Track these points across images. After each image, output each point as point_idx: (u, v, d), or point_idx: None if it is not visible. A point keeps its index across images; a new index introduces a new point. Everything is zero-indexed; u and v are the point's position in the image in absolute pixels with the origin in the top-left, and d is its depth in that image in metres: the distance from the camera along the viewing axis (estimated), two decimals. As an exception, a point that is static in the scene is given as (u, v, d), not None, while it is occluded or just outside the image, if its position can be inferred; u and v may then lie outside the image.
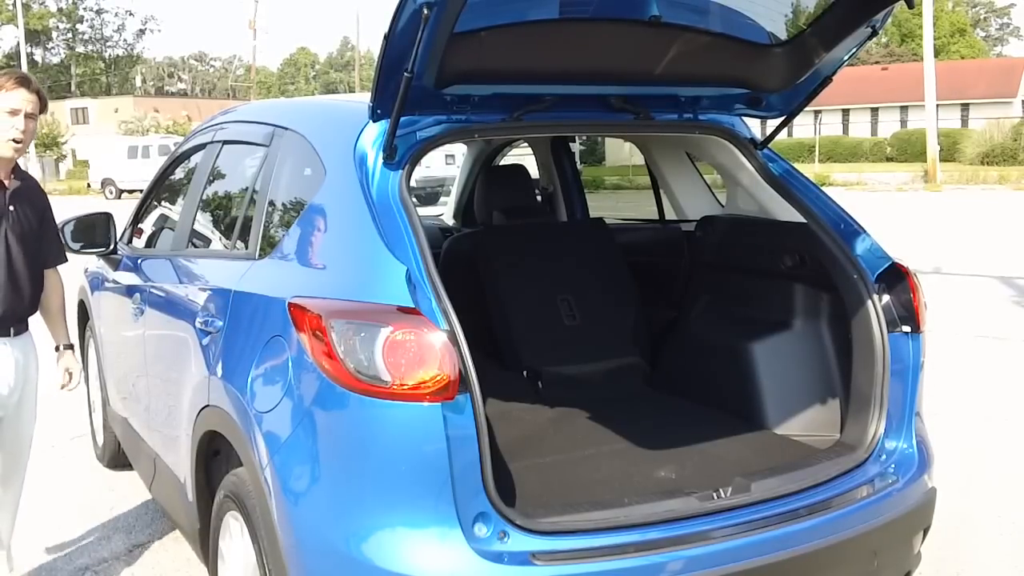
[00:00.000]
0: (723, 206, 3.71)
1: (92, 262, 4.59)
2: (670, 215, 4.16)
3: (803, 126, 36.72)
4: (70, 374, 3.29)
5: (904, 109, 43.10)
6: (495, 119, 2.77)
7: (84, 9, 62.59)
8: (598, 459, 2.89)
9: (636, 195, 15.64)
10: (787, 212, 3.09)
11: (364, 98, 2.64)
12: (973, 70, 45.65)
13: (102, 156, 33.57)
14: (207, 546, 2.88)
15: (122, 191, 31.08)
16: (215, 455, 2.86)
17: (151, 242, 4.19)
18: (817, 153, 33.67)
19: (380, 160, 2.51)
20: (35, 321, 3.19)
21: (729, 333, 3.33)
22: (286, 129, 3.00)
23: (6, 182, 3.00)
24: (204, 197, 3.59)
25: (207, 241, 3.52)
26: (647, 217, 4.48)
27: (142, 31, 70.04)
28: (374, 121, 2.55)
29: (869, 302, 2.76)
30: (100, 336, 4.52)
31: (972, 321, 7.95)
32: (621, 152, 32.69)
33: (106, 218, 4.03)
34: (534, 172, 4.79)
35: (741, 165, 3.18)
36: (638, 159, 8.60)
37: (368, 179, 2.48)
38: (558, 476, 2.76)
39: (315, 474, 2.26)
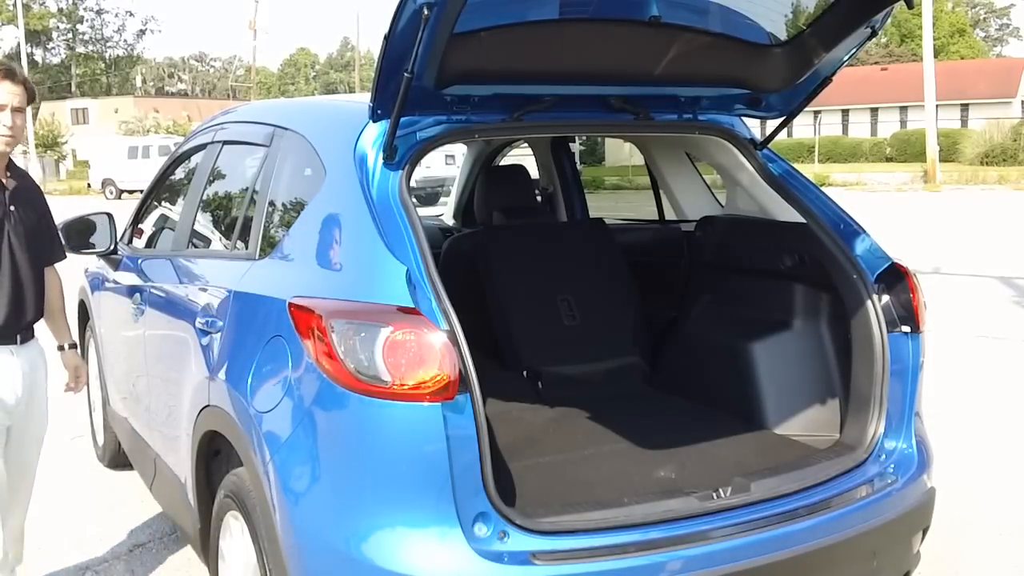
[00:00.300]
0: (723, 206, 3.72)
1: (92, 262, 4.60)
2: (670, 215, 4.16)
3: (803, 126, 36.75)
4: (76, 374, 3.22)
5: (904, 109, 43.11)
6: (495, 119, 2.77)
7: (84, 9, 62.57)
8: (598, 459, 2.90)
9: (636, 195, 15.64)
10: (787, 212, 3.09)
11: (364, 98, 2.64)
12: (973, 70, 45.66)
13: (102, 156, 33.58)
14: (207, 546, 2.88)
15: (122, 191, 31.08)
16: (215, 455, 2.86)
17: (151, 242, 4.19)
18: (817, 153, 33.68)
19: (380, 160, 2.51)
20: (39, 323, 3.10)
21: (729, 333, 3.33)
22: (286, 129, 3.00)
23: (4, 181, 2.89)
24: (204, 197, 3.59)
25: (207, 241, 3.52)
26: (647, 217, 4.49)
27: (142, 31, 69.88)
28: (374, 121, 2.55)
29: (869, 302, 2.76)
30: (100, 336, 4.52)
31: (972, 321, 7.95)
32: (621, 152, 32.68)
33: (106, 218, 4.03)
34: (534, 172, 4.79)
35: (741, 165, 3.18)
36: (638, 159, 8.60)
37: (368, 179, 2.48)
38: (558, 476, 2.76)
39: (315, 474, 2.27)
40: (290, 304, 2.34)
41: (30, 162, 35.97)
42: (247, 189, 3.27)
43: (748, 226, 3.40)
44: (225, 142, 3.56)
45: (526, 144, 5.00)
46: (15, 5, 43.68)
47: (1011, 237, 14.03)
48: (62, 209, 3.63)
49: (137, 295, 3.72)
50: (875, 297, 2.77)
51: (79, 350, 3.31)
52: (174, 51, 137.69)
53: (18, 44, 44.19)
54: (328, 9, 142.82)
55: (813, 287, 3.10)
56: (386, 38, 2.27)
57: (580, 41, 2.70)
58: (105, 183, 32.15)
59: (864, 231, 2.93)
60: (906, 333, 2.77)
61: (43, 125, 43.21)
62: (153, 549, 3.86)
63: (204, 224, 3.58)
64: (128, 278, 3.95)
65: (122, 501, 4.36)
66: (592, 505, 2.38)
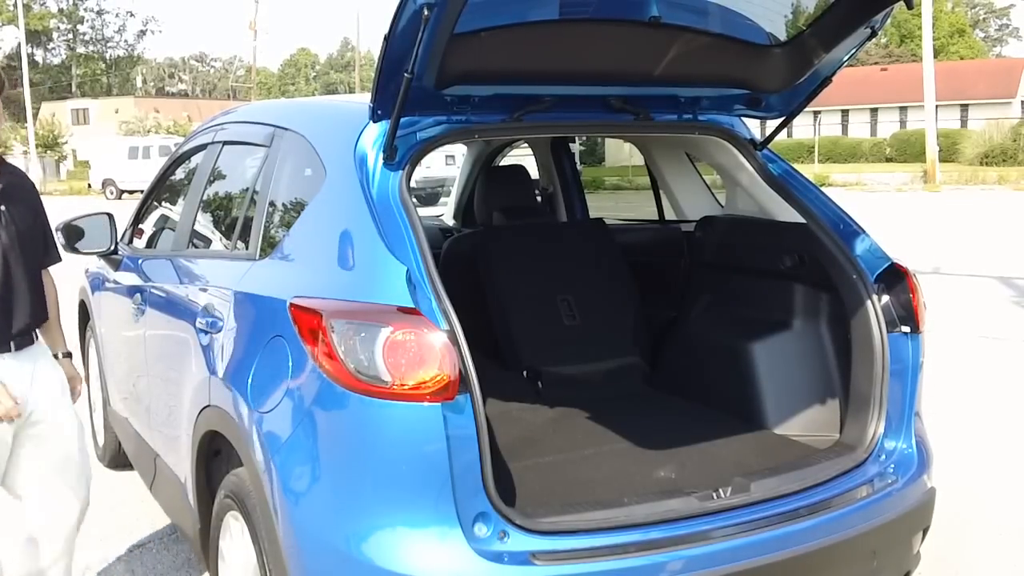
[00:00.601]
0: (723, 206, 3.72)
1: (93, 262, 4.60)
2: (670, 215, 4.17)
3: (802, 127, 36.75)
4: (71, 385, 3.05)
5: (903, 110, 43.12)
6: (495, 120, 2.77)
7: (85, 10, 62.66)
8: (598, 459, 2.90)
9: (636, 195, 15.65)
10: (787, 212, 3.09)
11: (364, 99, 2.64)
12: (972, 71, 45.67)
13: (103, 156, 33.59)
14: (207, 546, 2.88)
15: (123, 191, 31.10)
16: (215, 455, 2.86)
17: (152, 242, 4.19)
18: (816, 153, 33.68)
19: (380, 161, 2.51)
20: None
21: (729, 333, 3.33)
22: (286, 130, 3.01)
23: None
24: (205, 197, 3.59)
25: (207, 241, 3.53)
26: (647, 217, 4.49)
27: (143, 32, 70.15)
28: (374, 122, 2.55)
29: (868, 302, 2.76)
30: (101, 336, 4.52)
31: (971, 321, 7.95)
32: (621, 153, 32.69)
33: (106, 218, 4.03)
34: (534, 173, 4.79)
35: (741, 165, 3.18)
36: (638, 160, 8.61)
37: (368, 179, 2.48)
38: (558, 476, 2.76)
39: (315, 474, 2.27)
40: (290, 304, 2.34)
41: (30, 162, 35.97)
42: (247, 189, 3.28)
43: (748, 226, 3.40)
44: (225, 142, 3.57)
45: (526, 144, 5.00)
46: (15, 5, 43.73)
47: (1011, 237, 14.03)
48: (62, 209, 3.63)
49: (137, 295, 3.72)
50: (875, 297, 2.77)
51: (78, 360, 3.26)
52: (174, 51, 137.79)
53: (18, 44, 44.21)
54: (328, 9, 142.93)
55: (813, 287, 3.10)
56: (386, 38, 2.28)
57: (580, 41, 2.70)
58: (105, 183, 32.16)
59: (864, 231, 2.93)
60: (906, 333, 2.77)
61: (43, 125, 43.25)
62: (153, 549, 3.86)
63: (204, 224, 3.58)
64: (128, 278, 3.95)
65: (122, 501, 4.35)
66: (592, 505, 2.39)
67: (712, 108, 3.11)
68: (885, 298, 2.79)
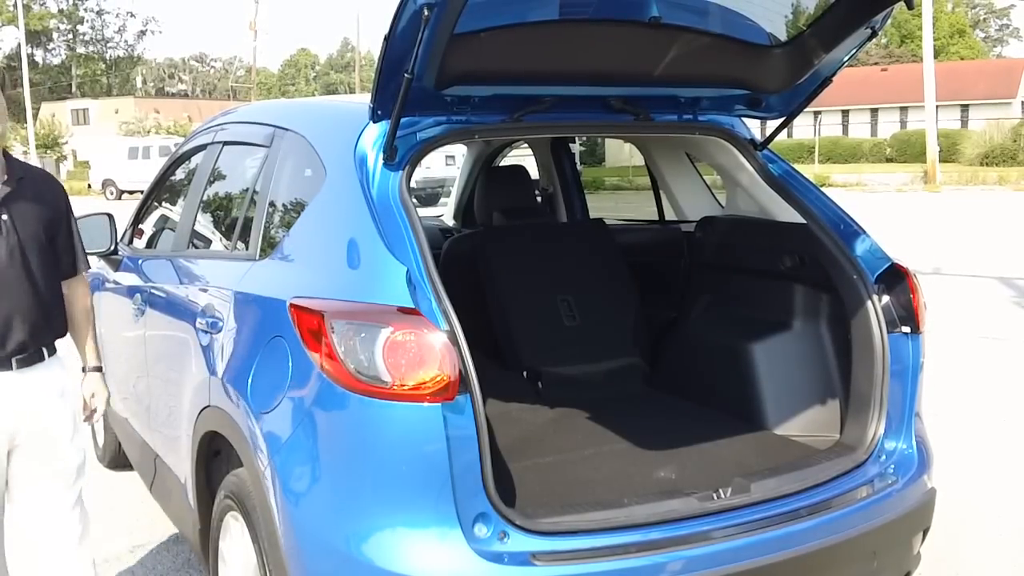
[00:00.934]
0: (723, 207, 3.72)
1: (92, 263, 4.59)
2: (670, 216, 4.17)
3: (803, 127, 36.73)
4: (92, 403, 2.80)
5: (904, 110, 43.11)
6: (495, 120, 2.77)
7: (85, 10, 62.68)
8: (598, 459, 2.90)
9: (636, 196, 15.64)
10: (787, 213, 3.09)
11: (364, 99, 2.64)
12: (972, 71, 45.66)
13: (103, 157, 33.59)
14: (207, 547, 2.88)
15: (122, 192, 31.09)
16: (215, 455, 2.86)
17: (152, 243, 4.19)
18: (817, 154, 33.67)
19: (380, 161, 2.51)
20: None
21: (729, 333, 3.33)
22: (287, 130, 3.01)
23: None
24: (205, 198, 3.59)
25: (208, 242, 3.53)
26: (647, 218, 4.49)
27: (143, 32, 70.07)
28: (374, 122, 2.55)
29: (869, 303, 2.76)
30: (101, 337, 4.49)
31: (972, 321, 7.95)
32: (621, 153, 32.68)
33: (107, 219, 4.03)
34: (534, 173, 4.79)
35: (741, 166, 3.18)
36: (638, 160, 8.61)
37: (368, 180, 2.48)
38: (558, 476, 2.76)
39: (315, 475, 2.27)
40: (290, 304, 2.34)
41: (30, 162, 35.92)
42: (247, 190, 3.28)
43: (748, 226, 3.40)
44: (225, 143, 3.57)
45: (526, 144, 5.00)
46: (15, 5, 43.75)
47: (1011, 237, 14.02)
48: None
49: (137, 296, 3.72)
50: (875, 297, 2.77)
51: (103, 374, 2.89)
52: (174, 52, 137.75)
53: (18, 45, 44.22)
54: (328, 9, 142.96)
55: (813, 287, 3.10)
56: (386, 39, 2.28)
57: (580, 42, 2.70)
58: (105, 184, 32.16)
59: (864, 231, 2.93)
60: (906, 333, 2.77)
61: (43, 126, 43.23)
62: (153, 549, 3.86)
63: (204, 225, 3.58)
64: (128, 279, 3.95)
65: (122, 501, 4.35)
66: (592, 505, 2.39)
67: (712, 108, 3.11)
68: (885, 298, 2.79)
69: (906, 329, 2.77)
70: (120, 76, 65.31)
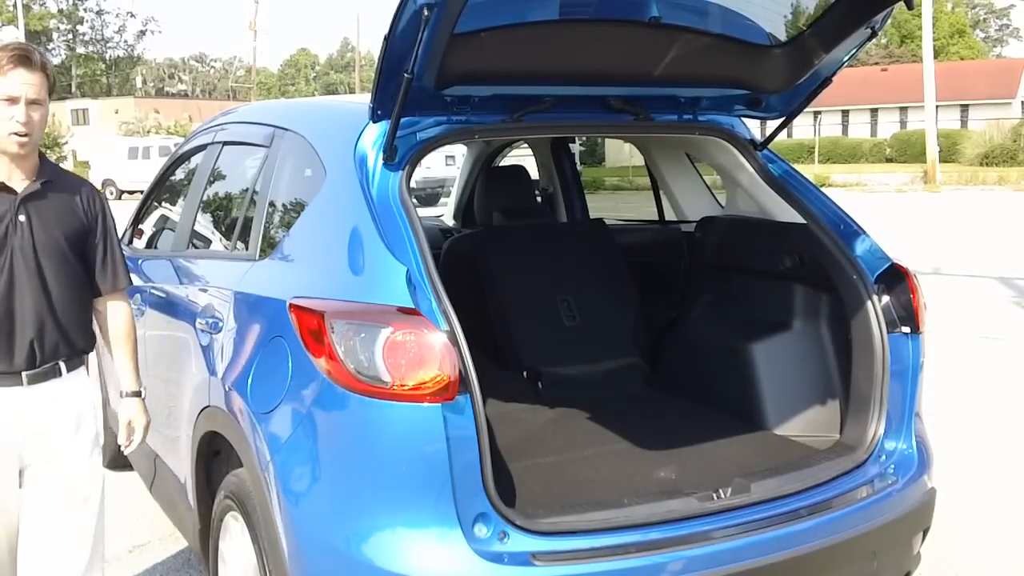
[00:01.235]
0: (723, 207, 3.72)
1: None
2: (670, 216, 4.17)
3: (803, 127, 36.74)
4: (129, 430, 2.60)
5: (904, 110, 43.10)
6: (495, 120, 2.77)
7: (84, 10, 62.65)
8: (598, 459, 2.89)
9: (636, 196, 15.65)
10: (787, 213, 3.09)
11: (364, 99, 2.64)
12: (972, 71, 45.66)
13: (102, 157, 33.60)
14: (207, 547, 2.88)
15: (123, 192, 31.09)
16: (215, 456, 2.86)
17: (152, 243, 4.19)
18: (817, 154, 33.67)
19: (380, 161, 2.51)
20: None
21: (729, 333, 3.33)
22: (286, 130, 3.01)
23: (15, 185, 2.38)
24: (205, 198, 3.59)
25: (207, 242, 3.52)
26: (647, 218, 4.49)
27: (143, 32, 69.87)
28: (374, 122, 2.55)
29: (869, 303, 2.76)
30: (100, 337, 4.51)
31: (972, 321, 7.95)
32: (621, 153, 32.67)
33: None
34: (534, 173, 4.79)
35: (741, 166, 3.18)
36: (638, 160, 8.61)
37: (368, 180, 2.48)
38: (558, 476, 2.76)
39: (315, 475, 2.27)
40: (290, 304, 2.34)
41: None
42: (247, 190, 3.28)
43: (748, 227, 3.40)
44: (225, 143, 3.57)
45: (526, 144, 5.00)
46: (15, 5, 43.74)
47: (1011, 237, 14.03)
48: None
49: (137, 296, 3.71)
50: (875, 298, 2.77)
51: (143, 399, 2.66)
52: (174, 52, 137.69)
53: (18, 45, 44.10)
54: (328, 9, 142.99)
55: (813, 288, 3.10)
56: (386, 39, 2.28)
57: (580, 42, 2.70)
58: (105, 184, 32.14)
59: (864, 232, 2.93)
60: (906, 333, 2.77)
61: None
62: (153, 549, 3.86)
63: (204, 225, 3.58)
64: (128, 279, 3.94)
65: (122, 501, 4.35)
66: (592, 506, 2.39)
67: (712, 108, 3.11)
68: (885, 298, 2.79)
69: (906, 329, 2.77)
70: (120, 76, 65.29)
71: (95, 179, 33.23)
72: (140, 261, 3.94)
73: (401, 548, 2.13)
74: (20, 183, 2.39)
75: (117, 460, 4.62)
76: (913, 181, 26.50)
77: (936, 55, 31.86)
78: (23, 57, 2.31)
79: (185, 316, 3.09)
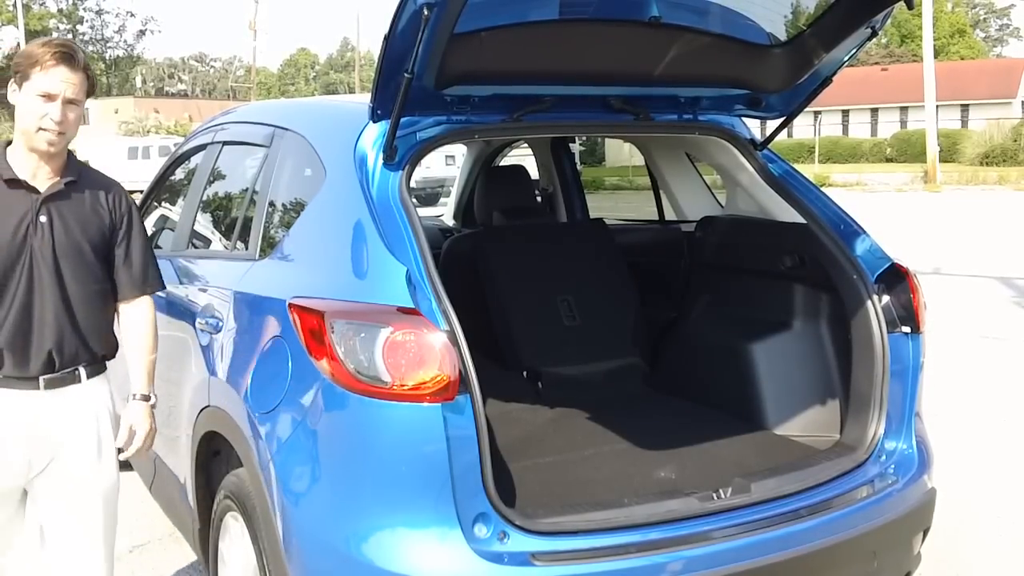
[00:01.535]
0: (723, 207, 3.72)
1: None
2: (670, 216, 4.16)
3: (803, 127, 36.74)
4: (130, 434, 2.48)
5: (904, 110, 43.10)
6: (495, 120, 2.77)
7: (84, 10, 62.63)
8: (598, 459, 2.89)
9: (636, 196, 15.64)
10: (787, 213, 3.09)
11: (364, 99, 2.64)
12: (973, 71, 45.65)
13: (102, 156, 33.59)
14: (207, 547, 2.88)
15: (122, 192, 31.11)
16: (215, 456, 2.86)
17: (151, 243, 4.18)
18: (817, 154, 33.68)
19: (380, 161, 2.51)
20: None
21: (729, 333, 3.33)
22: (286, 130, 3.00)
23: (39, 184, 2.32)
24: (204, 198, 3.59)
25: (207, 242, 3.52)
26: (647, 218, 4.49)
27: (142, 32, 69.72)
28: (374, 122, 2.55)
29: (869, 302, 2.76)
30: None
31: (972, 321, 7.95)
32: (621, 153, 32.66)
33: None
34: (534, 173, 4.79)
35: (741, 166, 3.18)
36: (638, 160, 8.59)
37: (368, 180, 2.48)
38: (558, 476, 2.76)
39: (315, 475, 2.27)
40: (290, 304, 2.34)
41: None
42: (247, 189, 3.27)
43: (748, 226, 3.40)
44: (225, 143, 3.56)
45: (526, 144, 5.00)
46: (15, 5, 43.72)
47: (1011, 237, 14.03)
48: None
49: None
50: (875, 297, 2.77)
51: (152, 406, 2.56)
52: (174, 51, 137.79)
53: (18, 45, 44.19)
54: (328, 9, 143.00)
55: (813, 287, 3.10)
56: (386, 38, 2.27)
57: (580, 42, 2.70)
58: (105, 183, 32.16)
59: (864, 231, 2.93)
60: (906, 333, 2.77)
61: (43, 126, 43.12)
62: (153, 549, 3.86)
63: (204, 224, 3.58)
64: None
65: (122, 501, 4.34)
66: (592, 506, 2.39)
67: (712, 108, 3.11)
68: (885, 298, 2.79)
69: (906, 329, 2.77)
70: (120, 76, 65.25)
71: (95, 179, 33.23)
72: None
73: (401, 548, 2.13)
74: (45, 182, 2.33)
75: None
76: (913, 181, 26.51)
77: (936, 55, 31.86)
78: (67, 55, 2.25)
79: (185, 316, 3.09)
